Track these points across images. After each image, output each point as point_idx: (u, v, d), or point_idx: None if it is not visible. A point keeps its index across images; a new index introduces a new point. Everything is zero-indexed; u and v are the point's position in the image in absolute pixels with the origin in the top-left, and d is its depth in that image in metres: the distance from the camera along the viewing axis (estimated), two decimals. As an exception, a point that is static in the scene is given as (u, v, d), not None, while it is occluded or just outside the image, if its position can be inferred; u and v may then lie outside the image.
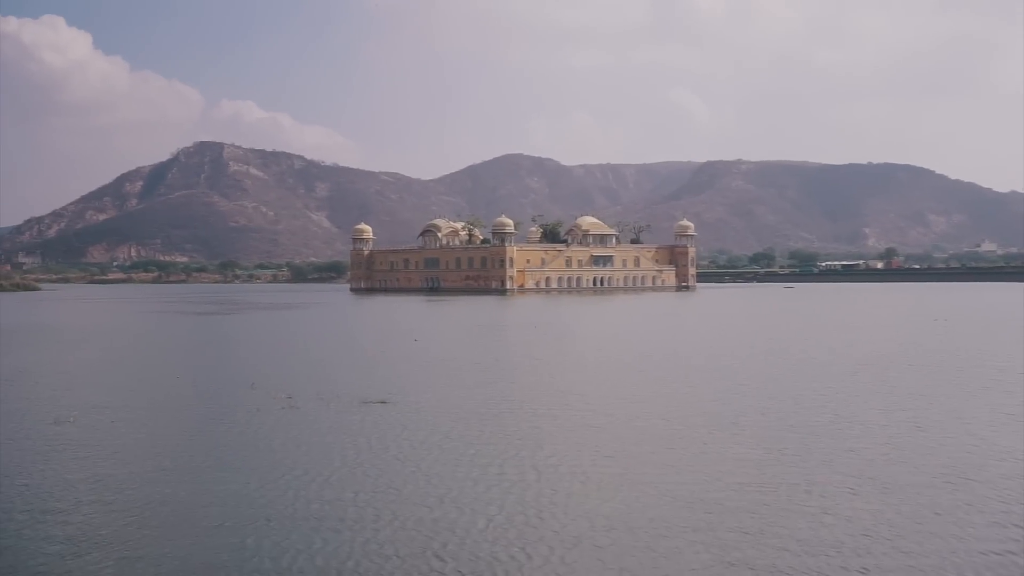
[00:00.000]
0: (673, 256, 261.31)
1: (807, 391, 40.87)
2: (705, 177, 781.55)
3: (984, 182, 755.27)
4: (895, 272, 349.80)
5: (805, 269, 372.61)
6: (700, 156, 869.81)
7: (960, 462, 26.15)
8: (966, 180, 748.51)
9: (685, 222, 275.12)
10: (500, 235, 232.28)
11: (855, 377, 45.88)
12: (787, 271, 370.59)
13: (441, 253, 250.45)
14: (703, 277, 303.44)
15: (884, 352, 59.38)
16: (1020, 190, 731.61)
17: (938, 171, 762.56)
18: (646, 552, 18.67)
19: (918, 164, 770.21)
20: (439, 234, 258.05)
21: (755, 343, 68.55)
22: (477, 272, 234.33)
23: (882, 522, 20.40)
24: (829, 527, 20.04)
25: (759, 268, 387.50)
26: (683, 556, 18.44)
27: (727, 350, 62.35)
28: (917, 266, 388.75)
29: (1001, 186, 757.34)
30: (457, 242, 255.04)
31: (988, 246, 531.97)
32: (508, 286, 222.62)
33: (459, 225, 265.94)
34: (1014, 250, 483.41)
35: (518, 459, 27.03)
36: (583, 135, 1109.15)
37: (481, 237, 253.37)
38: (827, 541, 19.06)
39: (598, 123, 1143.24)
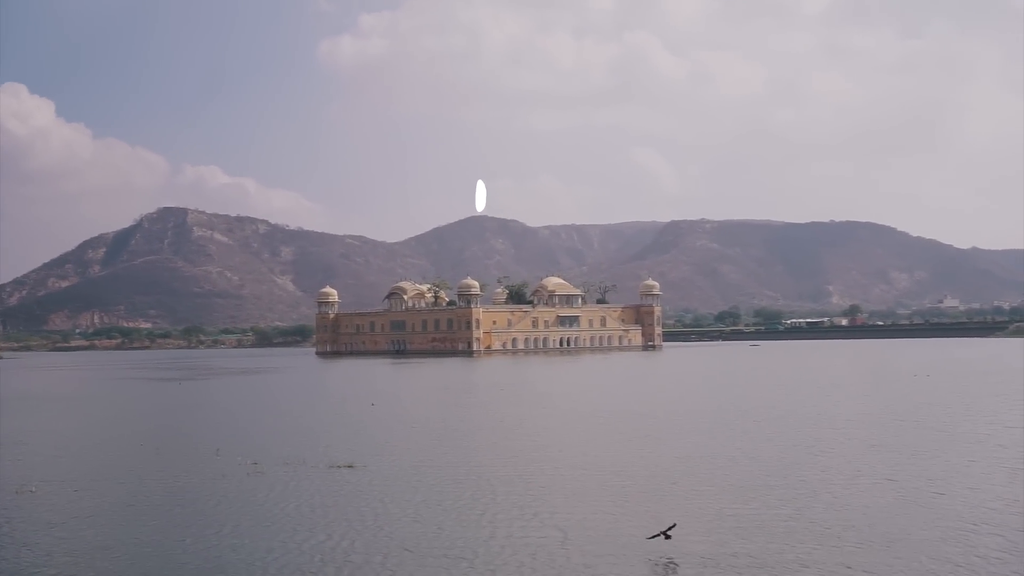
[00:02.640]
0: (639, 315, 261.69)
1: (804, 449, 40.72)
2: (670, 236, 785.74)
3: (945, 239, 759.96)
4: (859, 329, 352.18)
5: (770, 327, 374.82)
6: (664, 216, 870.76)
7: (967, 515, 26.24)
8: (927, 237, 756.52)
9: (650, 281, 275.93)
10: (466, 297, 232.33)
11: (850, 434, 45.76)
12: (752, 329, 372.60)
13: (407, 315, 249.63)
14: (669, 336, 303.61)
15: (874, 408, 59.67)
16: (981, 247, 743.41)
17: (900, 228, 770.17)
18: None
19: (880, 222, 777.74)
20: (405, 296, 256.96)
21: (739, 401, 68.10)
22: (443, 334, 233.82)
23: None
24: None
25: (724, 326, 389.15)
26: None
27: (707, 409, 62.02)
28: (881, 323, 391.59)
29: (962, 243, 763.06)
30: (423, 304, 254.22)
31: (950, 302, 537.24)
32: (475, 348, 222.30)
33: (425, 287, 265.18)
34: (976, 306, 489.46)
35: (514, 519, 26.60)
36: (548, 196, 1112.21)
37: (447, 299, 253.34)
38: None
39: (563, 184, 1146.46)
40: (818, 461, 36.74)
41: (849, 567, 21.08)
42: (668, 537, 20.81)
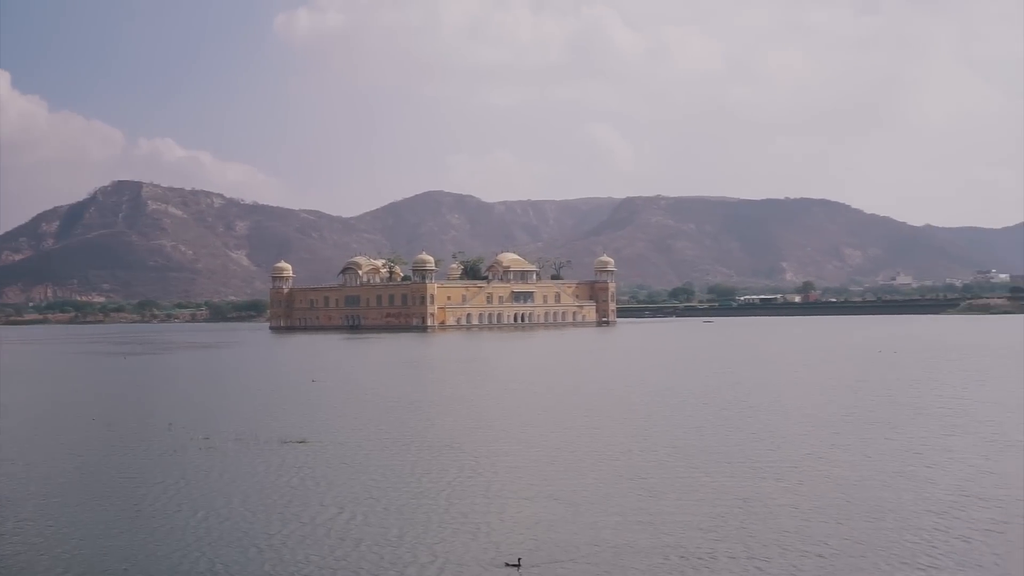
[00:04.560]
0: (593, 292, 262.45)
1: (786, 426, 41.70)
2: (625, 213, 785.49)
3: (899, 216, 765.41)
4: (813, 305, 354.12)
5: (724, 303, 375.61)
6: (620, 192, 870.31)
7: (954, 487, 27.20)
8: (881, 215, 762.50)
9: (605, 258, 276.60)
10: (421, 272, 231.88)
11: (824, 411, 46.72)
12: (706, 305, 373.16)
13: (361, 291, 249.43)
14: (623, 312, 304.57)
15: (843, 385, 60.71)
16: (934, 224, 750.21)
17: (854, 206, 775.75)
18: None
19: (834, 199, 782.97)
20: (359, 272, 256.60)
21: (698, 380, 69.14)
22: (398, 309, 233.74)
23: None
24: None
25: (678, 303, 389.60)
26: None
27: (663, 387, 62.92)
28: (834, 299, 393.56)
29: (915, 220, 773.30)
30: (378, 279, 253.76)
31: (903, 279, 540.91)
32: (429, 323, 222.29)
33: (380, 262, 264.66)
34: (928, 283, 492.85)
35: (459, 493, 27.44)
36: (504, 171, 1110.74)
37: (402, 274, 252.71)
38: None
39: (519, 160, 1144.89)
40: (802, 439, 37.59)
41: (846, 539, 22.10)
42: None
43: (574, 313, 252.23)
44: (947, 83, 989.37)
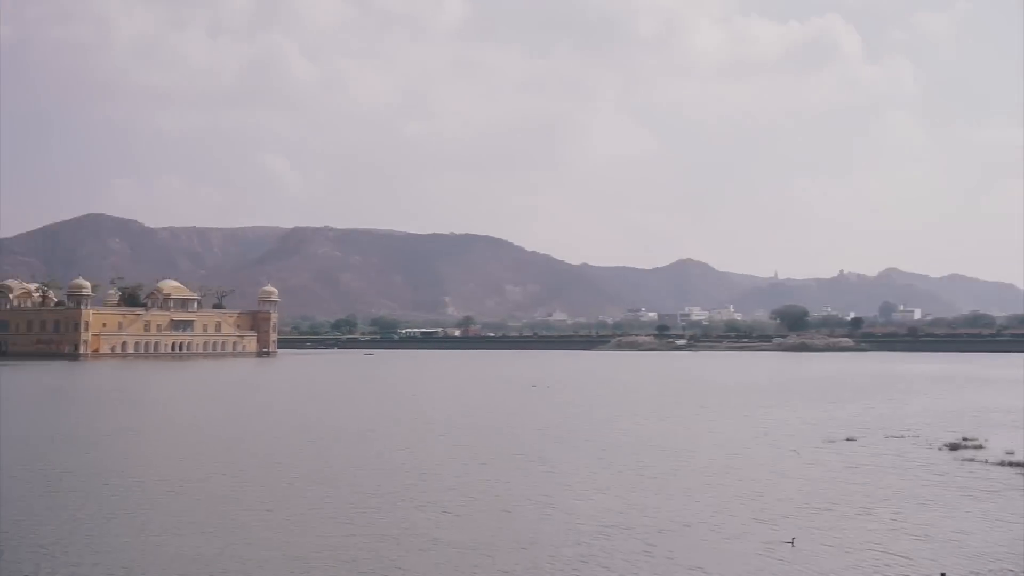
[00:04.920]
0: (255, 322, 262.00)
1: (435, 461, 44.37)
2: (292, 243, 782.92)
3: (558, 254, 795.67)
4: (472, 339, 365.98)
5: (386, 336, 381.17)
6: (288, 222, 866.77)
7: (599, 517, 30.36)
8: (542, 252, 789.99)
9: (269, 288, 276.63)
10: (76, 297, 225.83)
11: (477, 446, 49.26)
12: (368, 337, 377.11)
13: (11, 315, 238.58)
14: (285, 343, 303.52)
15: (491, 419, 64.40)
16: (591, 263, 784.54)
17: (516, 243, 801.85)
18: None
19: (498, 236, 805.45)
20: (10, 296, 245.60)
21: (336, 415, 71.37)
22: (49, 336, 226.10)
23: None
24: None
25: (341, 334, 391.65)
26: None
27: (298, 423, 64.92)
28: (492, 334, 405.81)
29: (573, 259, 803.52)
30: (30, 304, 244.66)
31: (559, 315, 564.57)
32: (82, 350, 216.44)
33: (32, 287, 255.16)
34: (583, 320, 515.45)
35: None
36: (170, 197, 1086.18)
37: (56, 299, 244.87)
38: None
39: (186, 185, 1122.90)
40: (457, 472, 39.69)
41: (498, 570, 23.71)
42: None
43: (234, 343, 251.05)
44: (609, 128, 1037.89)
